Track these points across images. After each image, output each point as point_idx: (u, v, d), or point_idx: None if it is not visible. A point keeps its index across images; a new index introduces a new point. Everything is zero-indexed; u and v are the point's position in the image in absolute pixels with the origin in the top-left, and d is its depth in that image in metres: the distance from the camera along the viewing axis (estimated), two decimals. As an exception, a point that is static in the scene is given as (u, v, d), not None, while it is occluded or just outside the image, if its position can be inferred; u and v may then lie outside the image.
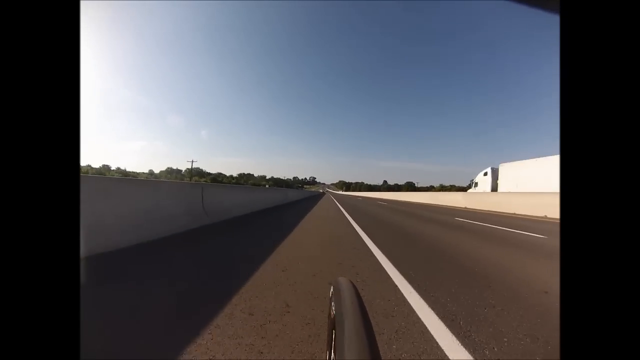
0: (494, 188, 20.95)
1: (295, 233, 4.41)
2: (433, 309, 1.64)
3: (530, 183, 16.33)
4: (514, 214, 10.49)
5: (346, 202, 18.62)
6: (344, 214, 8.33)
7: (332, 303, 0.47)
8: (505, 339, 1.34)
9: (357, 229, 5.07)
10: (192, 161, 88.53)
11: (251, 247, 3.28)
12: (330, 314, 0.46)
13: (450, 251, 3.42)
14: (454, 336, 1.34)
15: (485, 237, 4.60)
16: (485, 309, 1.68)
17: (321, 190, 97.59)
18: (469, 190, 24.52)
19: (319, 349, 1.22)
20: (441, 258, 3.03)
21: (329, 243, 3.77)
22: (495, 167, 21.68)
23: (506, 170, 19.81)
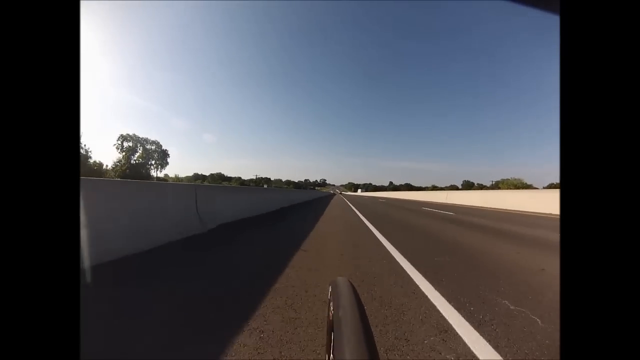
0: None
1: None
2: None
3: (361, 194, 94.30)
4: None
5: (377, 213, 8.74)
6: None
7: (331, 304, 0.43)
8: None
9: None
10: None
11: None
12: (329, 314, 0.43)
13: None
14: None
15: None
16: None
17: (332, 192, 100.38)
18: (358, 192, 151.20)
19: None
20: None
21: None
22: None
23: (360, 190, 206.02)
